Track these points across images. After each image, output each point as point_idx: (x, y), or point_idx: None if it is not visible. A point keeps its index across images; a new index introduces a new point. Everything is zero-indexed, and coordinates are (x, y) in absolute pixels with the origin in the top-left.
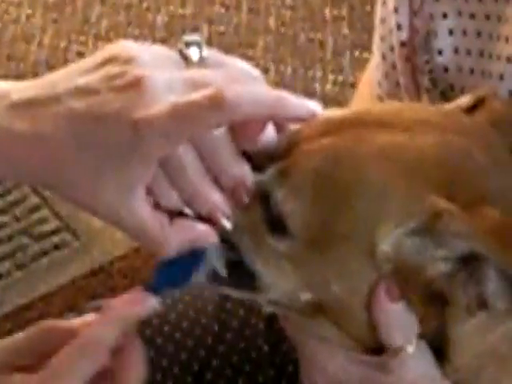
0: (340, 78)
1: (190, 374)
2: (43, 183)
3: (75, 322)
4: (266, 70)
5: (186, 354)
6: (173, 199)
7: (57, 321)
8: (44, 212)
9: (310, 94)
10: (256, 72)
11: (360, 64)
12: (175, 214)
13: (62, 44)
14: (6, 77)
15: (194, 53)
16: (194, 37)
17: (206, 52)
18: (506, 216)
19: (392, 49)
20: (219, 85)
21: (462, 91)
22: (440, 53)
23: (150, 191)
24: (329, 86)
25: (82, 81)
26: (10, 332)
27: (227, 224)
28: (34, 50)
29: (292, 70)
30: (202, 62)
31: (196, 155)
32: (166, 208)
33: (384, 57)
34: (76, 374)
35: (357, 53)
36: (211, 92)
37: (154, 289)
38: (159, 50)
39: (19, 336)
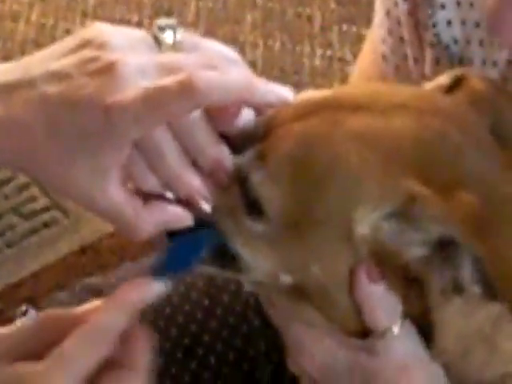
0: (328, 53)
1: (181, 349)
2: (16, 167)
3: (80, 310)
4: (254, 46)
5: (177, 330)
6: (152, 183)
7: (61, 310)
8: (33, 190)
9: (298, 68)
10: (233, 54)
11: (348, 38)
12: (153, 197)
13: (50, 22)
14: None
15: (168, 37)
16: (168, 21)
17: (181, 36)
18: (482, 199)
19: (396, 4)
20: (191, 70)
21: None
22: (443, 6)
23: (128, 175)
24: (317, 61)
25: (55, 65)
26: (0, 310)
27: (206, 207)
28: (21, 29)
29: (280, 44)
30: (177, 45)
31: (173, 138)
32: (146, 192)
33: (388, 12)
34: (83, 361)
35: (345, 27)
36: (181, 78)
37: (158, 273)
38: (133, 33)
39: (24, 325)
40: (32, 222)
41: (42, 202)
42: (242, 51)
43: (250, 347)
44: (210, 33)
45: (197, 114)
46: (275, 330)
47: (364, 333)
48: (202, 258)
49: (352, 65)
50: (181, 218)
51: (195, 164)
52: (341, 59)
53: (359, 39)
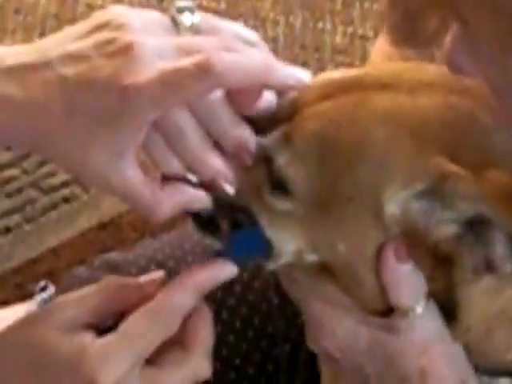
0: (350, 30)
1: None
2: (33, 148)
3: (145, 280)
4: (275, 22)
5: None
6: (174, 165)
7: (125, 278)
8: (53, 165)
9: (319, 45)
10: (252, 36)
11: (370, 15)
12: (172, 178)
13: None
14: (13, 30)
15: (185, 19)
16: (187, 2)
17: (199, 17)
18: (511, 177)
19: None
20: (209, 52)
21: None
22: None
23: (150, 157)
24: (338, 38)
25: (73, 47)
26: (20, 286)
27: (230, 189)
28: (42, 3)
29: (302, 21)
30: (195, 27)
31: (195, 121)
32: (165, 173)
33: None
34: (147, 341)
35: (366, 4)
36: (199, 59)
37: (228, 256)
38: (151, 15)
39: (86, 292)
40: (51, 197)
41: (62, 176)
42: (263, 28)
43: (268, 325)
44: (231, 9)
45: (218, 95)
46: (294, 309)
47: (386, 311)
48: (267, 250)
49: (373, 42)
50: (199, 199)
51: (217, 146)
52: (362, 36)
53: (381, 16)
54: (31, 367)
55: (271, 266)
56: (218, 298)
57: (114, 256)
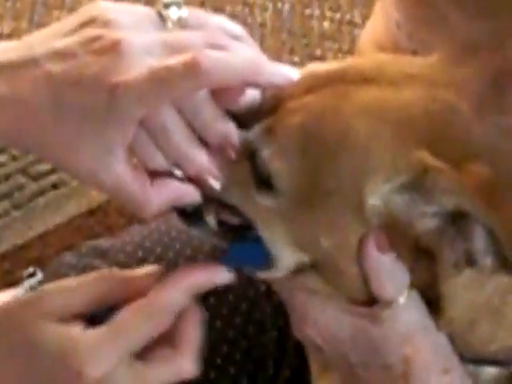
0: (337, 16)
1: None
2: (21, 146)
3: (140, 274)
4: (263, 8)
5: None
6: (159, 162)
7: (119, 270)
8: None
9: (307, 31)
10: (239, 30)
11: (358, 1)
12: (160, 174)
13: None
14: (1, 17)
15: (172, 14)
16: None
17: (186, 12)
18: (495, 171)
19: None
20: (196, 49)
21: None
22: None
23: (135, 154)
24: (326, 24)
25: (59, 44)
26: (7, 272)
27: (216, 184)
28: None
29: (289, 7)
30: (182, 22)
31: (180, 116)
32: (153, 169)
33: None
34: (137, 337)
35: None
36: (187, 58)
37: (226, 263)
38: (138, 10)
39: (80, 282)
40: (40, 184)
41: None
42: (251, 14)
43: (255, 311)
44: None
45: (201, 91)
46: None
47: (369, 302)
48: (269, 263)
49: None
50: (189, 194)
51: (202, 141)
52: (350, 22)
53: (369, 2)
54: (17, 353)
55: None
56: None
57: (101, 242)
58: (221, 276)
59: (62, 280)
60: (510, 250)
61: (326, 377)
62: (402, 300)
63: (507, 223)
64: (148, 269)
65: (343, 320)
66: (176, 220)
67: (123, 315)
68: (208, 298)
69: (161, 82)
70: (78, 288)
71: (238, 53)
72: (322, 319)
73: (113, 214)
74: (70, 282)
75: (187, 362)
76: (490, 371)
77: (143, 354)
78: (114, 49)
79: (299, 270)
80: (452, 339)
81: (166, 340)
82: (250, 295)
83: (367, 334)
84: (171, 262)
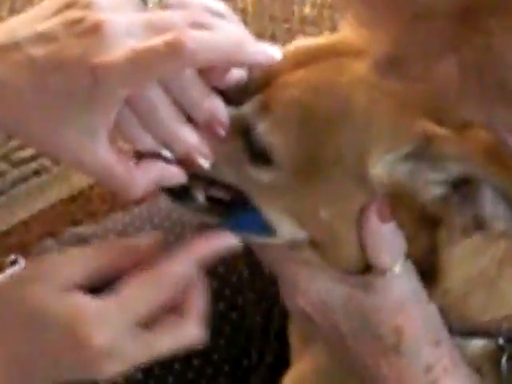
0: (318, 0)
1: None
2: (4, 130)
3: (139, 241)
4: None
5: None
6: (147, 142)
7: (126, 240)
8: None
9: (288, 16)
10: (222, 8)
11: None
12: (147, 155)
13: None
14: None
15: None
16: None
17: None
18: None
19: None
20: (179, 29)
21: None
22: None
23: (122, 135)
24: (307, 9)
25: (41, 27)
26: None
27: (205, 163)
28: None
29: None
30: (163, 2)
31: (167, 96)
32: (140, 151)
33: None
34: (143, 306)
35: None
36: (170, 38)
37: (230, 229)
38: None
39: (84, 252)
40: (21, 170)
41: (32, 149)
42: None
43: (239, 297)
44: None
45: (188, 70)
46: (264, 280)
47: (363, 270)
48: (268, 230)
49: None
50: (174, 175)
51: (191, 121)
52: (331, 7)
53: None
54: (25, 324)
55: (275, 241)
56: None
57: (83, 230)
58: (224, 242)
59: (67, 250)
60: None
61: (309, 353)
62: (396, 269)
63: None
64: (150, 237)
65: (335, 289)
66: (163, 197)
67: (130, 285)
68: None
69: (144, 62)
70: (81, 257)
71: (221, 31)
72: (313, 288)
73: (95, 200)
74: (73, 251)
75: (193, 328)
76: (477, 344)
77: (150, 322)
78: (95, 30)
79: (295, 244)
80: (443, 310)
81: (172, 308)
82: (232, 281)
83: (359, 303)
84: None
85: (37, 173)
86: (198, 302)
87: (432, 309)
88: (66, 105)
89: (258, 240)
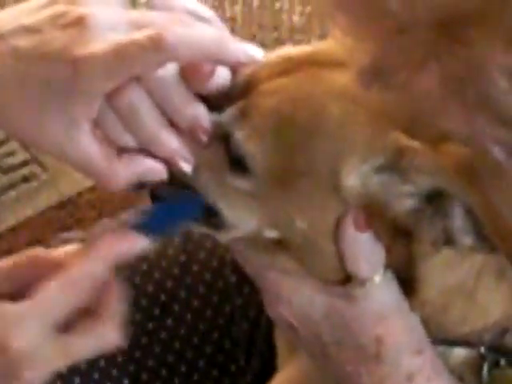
0: (307, 9)
1: (157, 305)
2: None
3: (59, 253)
4: (233, 2)
5: (154, 286)
6: (128, 142)
7: (43, 249)
8: (12, 144)
9: (277, 25)
10: (207, 12)
11: None
12: (129, 150)
13: None
14: None
15: None
16: None
17: None
18: (470, 150)
19: None
20: (162, 26)
21: None
22: None
23: (104, 133)
24: (296, 17)
25: (27, 20)
26: None
27: (187, 168)
28: None
29: (259, 1)
30: (150, 2)
31: (150, 100)
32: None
33: None
34: (59, 308)
35: None
36: (152, 33)
37: (144, 229)
38: None
39: (3, 262)
40: (10, 177)
41: (21, 156)
42: (221, 7)
43: (226, 303)
44: None
45: (172, 74)
46: (252, 287)
47: (343, 282)
48: (186, 223)
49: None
50: (156, 171)
51: (173, 125)
52: (319, 15)
53: None
54: None
55: (223, 238)
56: (175, 276)
57: (71, 235)
58: (136, 244)
59: None
60: (490, 228)
61: (294, 359)
62: (377, 279)
63: (485, 201)
64: (68, 248)
65: (317, 299)
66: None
67: (44, 288)
68: (179, 292)
69: (126, 55)
70: (2, 269)
71: (203, 30)
72: (295, 298)
73: (84, 207)
74: None
75: (110, 331)
76: (460, 352)
77: (68, 327)
78: (79, 23)
79: (273, 252)
80: (424, 320)
81: (89, 312)
82: (220, 287)
83: (341, 314)
84: (141, 256)
85: (25, 179)
86: (114, 304)
87: (413, 318)
88: (48, 95)
89: (211, 233)
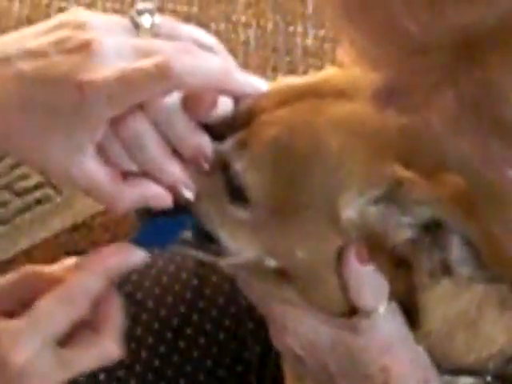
0: (321, 33)
1: (170, 329)
2: None
3: (58, 268)
4: (247, 25)
5: (166, 310)
6: (134, 168)
7: (39, 266)
8: (26, 167)
9: (290, 48)
10: (211, 41)
11: None
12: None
13: (44, 0)
14: None
15: (145, 20)
16: (147, 4)
17: (159, 20)
18: (467, 182)
19: None
20: (168, 54)
21: None
22: None
23: (112, 164)
24: (309, 41)
25: (32, 43)
26: None
27: (190, 195)
28: (15, 7)
29: (273, 24)
30: (154, 30)
31: (154, 130)
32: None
33: None
34: (56, 322)
35: None
36: (159, 60)
37: (139, 243)
38: (111, 17)
39: (1, 280)
40: (24, 199)
41: (35, 179)
42: (234, 31)
43: (238, 327)
44: (203, 13)
45: (175, 103)
46: None
47: (348, 313)
48: (178, 239)
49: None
50: (161, 197)
51: (175, 152)
52: (333, 39)
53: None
54: None
55: (223, 265)
56: (188, 300)
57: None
58: (134, 257)
59: None
60: (488, 258)
61: None
62: (381, 310)
63: (483, 232)
64: (66, 262)
65: (322, 331)
66: None
67: (41, 303)
68: (191, 315)
69: (131, 82)
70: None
71: (208, 59)
72: (301, 330)
73: (97, 229)
74: None
75: (110, 344)
76: (466, 381)
77: (67, 340)
78: (84, 48)
79: (276, 283)
80: (429, 350)
81: (88, 326)
82: (232, 311)
83: (346, 345)
84: (155, 279)
85: (39, 202)
86: (114, 318)
87: (418, 348)
88: (52, 119)
89: (211, 260)
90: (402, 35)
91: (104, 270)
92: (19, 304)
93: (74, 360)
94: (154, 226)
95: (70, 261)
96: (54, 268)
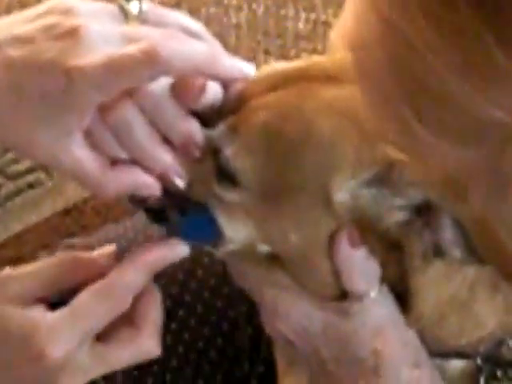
0: (312, 16)
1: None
2: None
3: (98, 255)
4: (238, 9)
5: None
6: (123, 155)
7: (81, 253)
8: None
9: (282, 32)
10: (198, 27)
11: (332, 2)
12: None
13: None
14: None
15: (133, 7)
16: None
17: (146, 6)
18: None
19: None
20: (155, 40)
21: None
22: None
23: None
24: (301, 25)
25: (19, 30)
26: None
27: (180, 183)
28: None
29: (264, 8)
30: (142, 16)
31: (143, 117)
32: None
33: None
34: (96, 318)
35: None
36: (145, 46)
37: (180, 237)
38: (99, 3)
39: (40, 266)
40: (16, 183)
41: (27, 163)
42: (226, 14)
43: (230, 308)
44: None
45: (164, 90)
46: None
47: (339, 297)
48: (218, 233)
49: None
50: (149, 186)
51: (165, 140)
52: (325, 22)
53: (344, 2)
54: None
55: (220, 252)
56: (180, 281)
57: (77, 240)
58: (176, 251)
59: (23, 266)
60: (478, 240)
61: (292, 373)
62: (373, 294)
63: (474, 213)
64: (106, 250)
65: (314, 315)
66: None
67: (83, 297)
68: (183, 296)
69: (118, 67)
70: (38, 272)
71: (196, 45)
72: (293, 314)
73: (89, 213)
74: (31, 266)
75: (149, 342)
76: (457, 364)
77: (105, 335)
78: (72, 34)
79: (268, 268)
80: (421, 333)
81: (127, 321)
82: (224, 293)
83: (338, 329)
84: None
85: (31, 186)
86: (153, 314)
87: (409, 331)
88: (40, 105)
89: (208, 247)
90: None
91: (146, 266)
92: (58, 291)
93: (112, 356)
94: (193, 222)
95: (110, 248)
96: (93, 255)
